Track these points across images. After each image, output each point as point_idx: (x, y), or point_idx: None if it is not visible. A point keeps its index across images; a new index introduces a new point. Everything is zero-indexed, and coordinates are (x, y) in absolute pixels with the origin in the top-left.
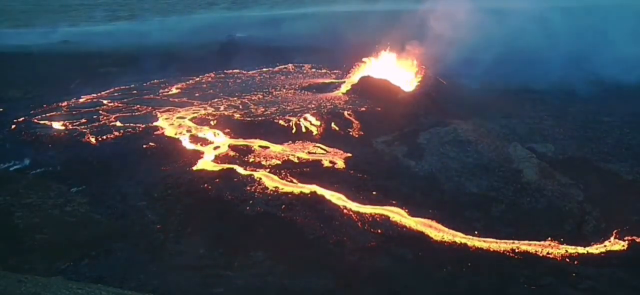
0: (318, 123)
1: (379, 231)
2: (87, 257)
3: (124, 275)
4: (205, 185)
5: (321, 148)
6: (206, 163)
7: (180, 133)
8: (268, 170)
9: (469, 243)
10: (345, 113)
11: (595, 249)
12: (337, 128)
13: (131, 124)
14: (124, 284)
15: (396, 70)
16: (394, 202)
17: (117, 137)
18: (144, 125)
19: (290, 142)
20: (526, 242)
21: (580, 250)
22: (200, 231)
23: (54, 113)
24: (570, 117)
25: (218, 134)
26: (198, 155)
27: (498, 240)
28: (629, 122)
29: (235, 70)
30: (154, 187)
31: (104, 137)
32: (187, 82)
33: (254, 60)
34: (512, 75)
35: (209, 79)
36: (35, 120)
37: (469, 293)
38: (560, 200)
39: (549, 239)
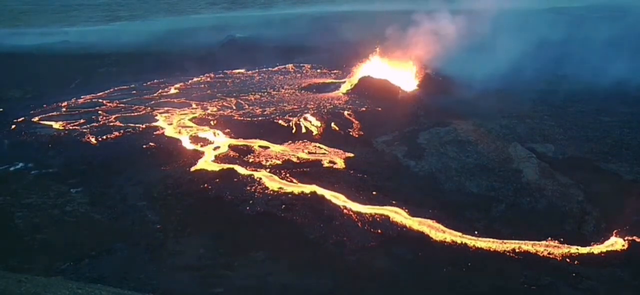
0: (318, 123)
1: (379, 231)
2: (87, 257)
3: (124, 275)
4: (205, 185)
5: (321, 148)
6: (206, 163)
7: (180, 133)
8: (268, 170)
9: (469, 243)
10: (345, 113)
11: (595, 249)
12: (337, 128)
13: (131, 124)
14: (124, 284)
15: (396, 70)
16: (394, 202)
17: (117, 137)
18: (143, 125)
19: (291, 142)
20: (526, 242)
21: (580, 250)
22: (200, 231)
23: (54, 113)
24: (570, 117)
25: (218, 134)
26: (198, 155)
27: (498, 241)
28: (629, 122)
29: (235, 71)
30: (154, 187)
31: (104, 137)
32: (187, 82)
33: (254, 60)
34: (513, 75)
35: (209, 79)
36: (35, 120)
37: (469, 293)
38: (560, 200)
39: (549, 239)
